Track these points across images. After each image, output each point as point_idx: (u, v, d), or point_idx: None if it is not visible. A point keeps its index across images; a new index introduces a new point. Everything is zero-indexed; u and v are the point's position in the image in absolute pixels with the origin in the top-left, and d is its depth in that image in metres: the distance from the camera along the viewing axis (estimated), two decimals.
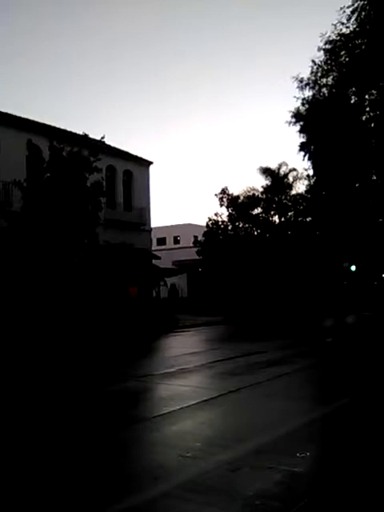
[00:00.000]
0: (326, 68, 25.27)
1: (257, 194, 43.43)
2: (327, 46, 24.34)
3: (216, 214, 42.88)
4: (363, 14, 22.91)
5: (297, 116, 27.47)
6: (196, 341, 22.06)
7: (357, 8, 22.80)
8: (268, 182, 43.63)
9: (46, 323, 20.94)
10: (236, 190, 47.57)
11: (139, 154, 34.95)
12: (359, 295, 37.23)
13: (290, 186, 43.46)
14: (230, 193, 42.94)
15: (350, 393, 9.25)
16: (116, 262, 27.22)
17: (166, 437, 6.77)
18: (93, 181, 24.09)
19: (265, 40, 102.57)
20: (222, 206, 42.92)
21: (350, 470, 5.35)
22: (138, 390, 10.42)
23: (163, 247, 52.48)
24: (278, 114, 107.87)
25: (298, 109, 27.25)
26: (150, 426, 7.43)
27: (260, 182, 51.57)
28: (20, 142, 24.48)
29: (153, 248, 37.41)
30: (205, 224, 43.31)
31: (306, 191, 38.35)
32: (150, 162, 35.82)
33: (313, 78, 25.64)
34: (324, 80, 25.77)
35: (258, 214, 43.20)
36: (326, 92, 26.06)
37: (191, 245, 46.66)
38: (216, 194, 42.91)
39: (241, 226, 43.09)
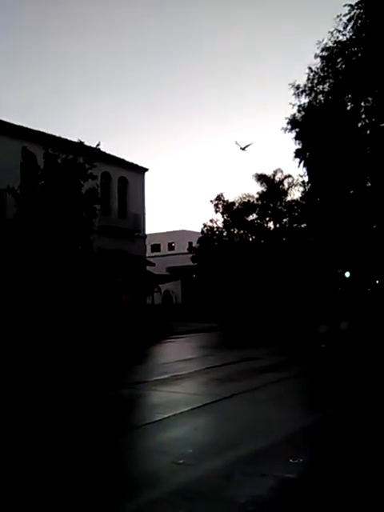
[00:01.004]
0: (322, 75, 25.39)
1: (252, 200, 43.62)
2: (324, 53, 24.54)
3: (211, 221, 43.07)
4: (359, 22, 23.09)
5: (292, 123, 27.54)
6: (190, 347, 22.04)
7: (353, 16, 22.99)
8: (263, 189, 43.84)
9: (40, 330, 20.86)
10: (231, 196, 47.77)
11: (135, 161, 34.98)
12: (353, 301, 37.28)
13: (286, 193, 43.64)
14: (226, 199, 43.16)
15: (343, 400, 9.27)
16: (110, 269, 27.18)
17: (159, 444, 6.75)
18: (88, 188, 24.07)
19: (261, 46, 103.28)
20: (217, 212, 43.13)
21: (342, 475, 5.36)
22: (132, 397, 10.39)
23: (158, 254, 52.47)
24: (274, 120, 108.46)
25: (293, 115, 27.31)
26: (144, 433, 7.42)
27: (255, 189, 51.80)
28: (14, 149, 24.42)
29: (147, 254, 37.37)
30: (200, 230, 43.43)
31: (301, 198, 38.46)
32: (146, 169, 35.86)
33: (309, 84, 25.75)
34: (320, 87, 25.88)
35: (253, 220, 43.34)
36: (322, 99, 26.15)
37: (186, 251, 46.70)
38: (211, 201, 43.14)
39: (236, 232, 43.22)
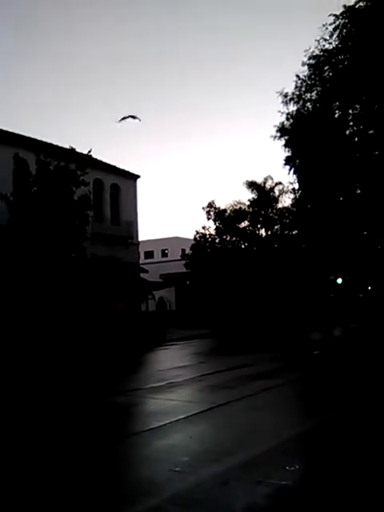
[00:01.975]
0: (310, 83, 25.60)
1: (243, 207, 43.76)
2: (311, 61, 24.78)
3: (203, 228, 43.17)
4: (345, 31, 23.36)
5: (282, 130, 27.72)
6: (184, 354, 22.05)
7: (338, 25, 23.26)
8: (254, 196, 44.00)
9: (34, 338, 20.80)
10: (223, 203, 47.85)
11: (126, 168, 35.10)
12: (346, 308, 37.45)
13: (276, 200, 43.83)
14: (217, 206, 43.32)
15: (338, 406, 9.34)
16: (103, 276, 27.16)
17: (156, 451, 6.78)
18: (80, 194, 24.12)
19: (250, 55, 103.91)
20: (209, 219, 43.24)
21: (337, 482, 5.41)
22: (128, 405, 10.42)
23: (151, 260, 52.40)
24: (263, 128, 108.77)
25: (282, 123, 27.51)
26: (140, 441, 7.46)
27: (246, 196, 51.95)
28: (6, 155, 24.45)
29: (140, 261, 37.37)
30: (192, 237, 43.51)
31: (291, 205, 38.59)
32: (138, 176, 35.94)
33: (297, 92, 25.97)
34: (308, 95, 26.09)
35: (244, 227, 43.51)
36: (310, 106, 26.36)
37: (179, 258, 46.72)
38: (203, 208, 43.25)
39: (228, 239, 43.36)
